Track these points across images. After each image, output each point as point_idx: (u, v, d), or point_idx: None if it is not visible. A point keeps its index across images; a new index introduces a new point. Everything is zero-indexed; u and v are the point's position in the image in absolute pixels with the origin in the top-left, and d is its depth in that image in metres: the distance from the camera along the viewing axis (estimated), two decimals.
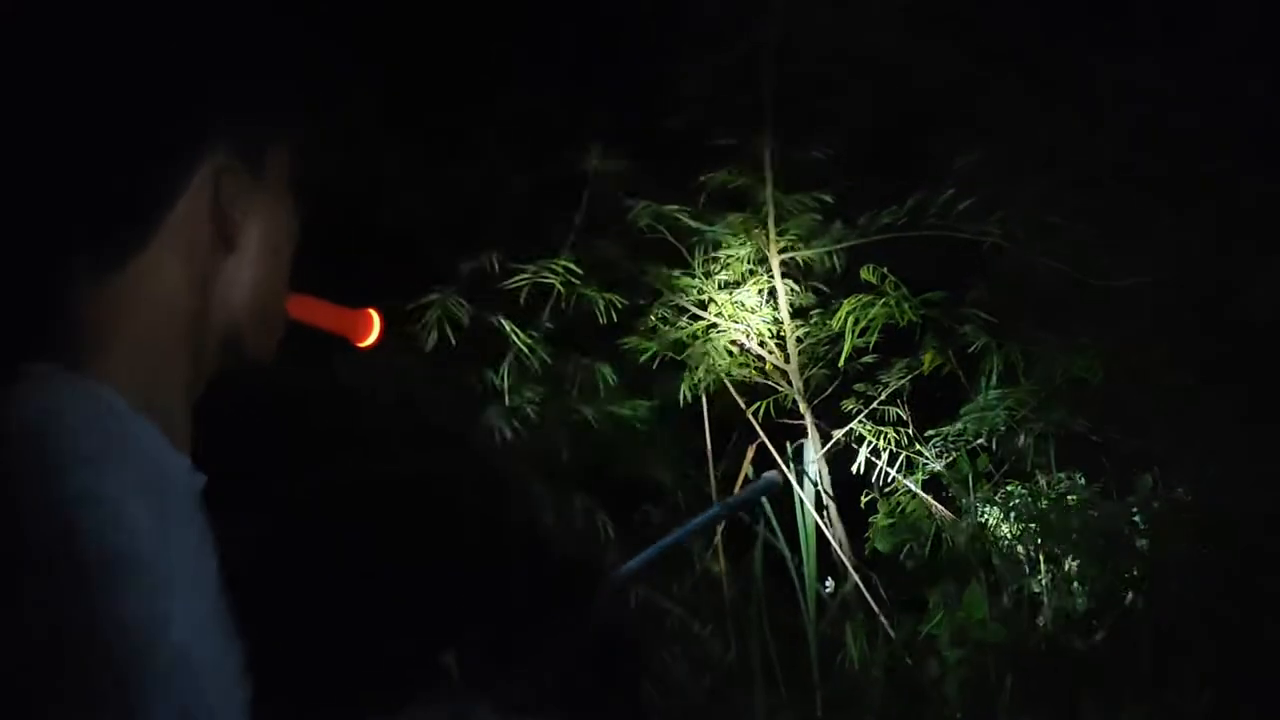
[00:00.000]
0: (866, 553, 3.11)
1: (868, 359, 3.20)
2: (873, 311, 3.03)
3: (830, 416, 3.22)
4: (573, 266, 2.81)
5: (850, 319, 3.04)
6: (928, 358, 3.07)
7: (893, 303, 3.03)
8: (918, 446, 3.11)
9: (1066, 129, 3.04)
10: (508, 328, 2.72)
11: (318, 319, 1.01)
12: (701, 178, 3.08)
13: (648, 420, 3.07)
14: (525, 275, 2.76)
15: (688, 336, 3.12)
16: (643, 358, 3.08)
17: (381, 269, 2.87)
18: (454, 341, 2.67)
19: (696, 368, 3.09)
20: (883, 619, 3.00)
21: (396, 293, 2.79)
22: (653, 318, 3.08)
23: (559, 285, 2.81)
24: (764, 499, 3.27)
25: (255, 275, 0.85)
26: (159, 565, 0.69)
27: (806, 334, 3.13)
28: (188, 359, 0.82)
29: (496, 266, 2.74)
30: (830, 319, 3.07)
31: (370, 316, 1.06)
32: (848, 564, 3.06)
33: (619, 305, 2.91)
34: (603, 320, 2.92)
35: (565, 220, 2.98)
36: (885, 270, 3.03)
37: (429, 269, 2.85)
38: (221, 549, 0.80)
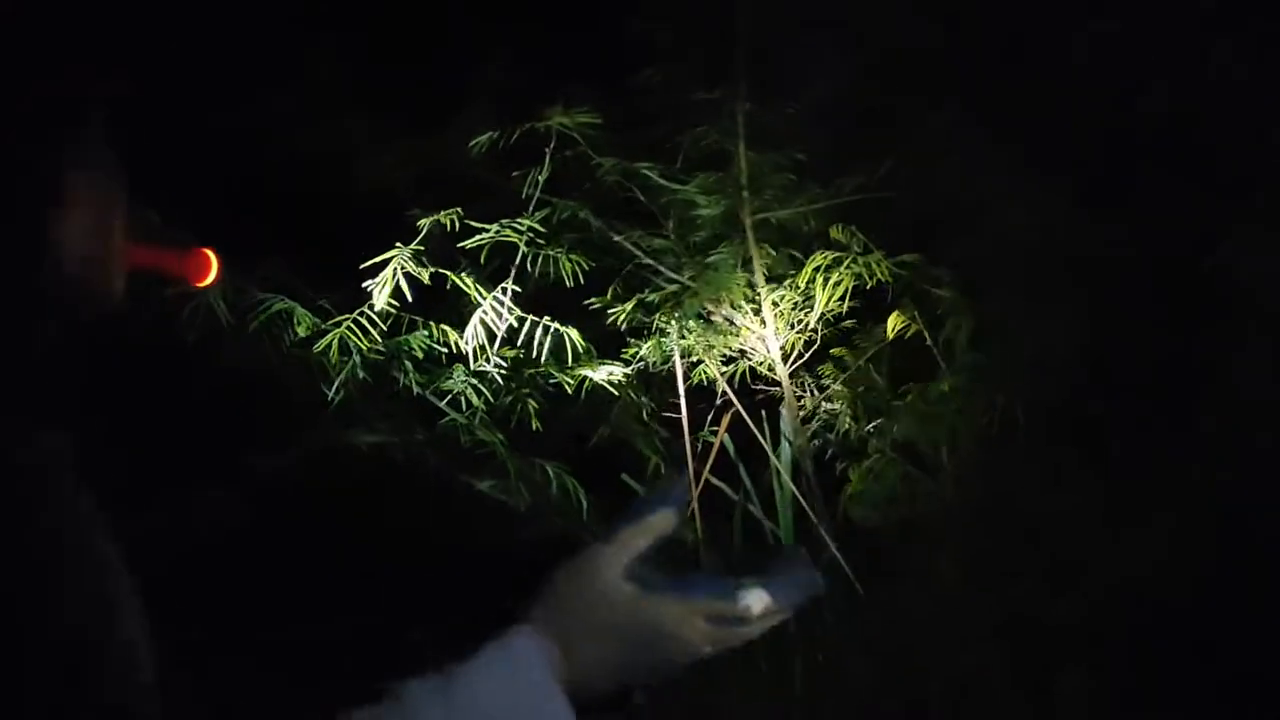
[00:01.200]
0: (842, 518, 3.05)
1: (846, 324, 3.15)
2: (839, 271, 2.97)
3: (807, 382, 3.17)
4: (537, 226, 2.76)
5: (820, 278, 2.97)
6: (893, 319, 3.01)
7: (862, 263, 2.96)
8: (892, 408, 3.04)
9: (1042, 92, 2.97)
10: (471, 284, 2.66)
11: (154, 264, 0.98)
12: (676, 137, 3.02)
13: (622, 386, 3.01)
14: (487, 235, 2.70)
15: (660, 300, 3.07)
16: (619, 320, 3.03)
17: (344, 230, 2.85)
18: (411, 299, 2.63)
19: (669, 333, 3.03)
20: (859, 587, 2.94)
21: (359, 254, 2.76)
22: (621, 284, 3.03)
23: (522, 245, 2.75)
24: (740, 467, 3.23)
25: (86, 224, 0.84)
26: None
27: (782, 298, 3.07)
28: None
29: (457, 225, 2.68)
30: (800, 279, 3.01)
31: (207, 256, 1.03)
32: (824, 532, 3.00)
33: (585, 267, 2.84)
34: (569, 283, 2.86)
35: (533, 182, 2.92)
36: (854, 229, 2.97)
37: (392, 230, 2.81)
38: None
